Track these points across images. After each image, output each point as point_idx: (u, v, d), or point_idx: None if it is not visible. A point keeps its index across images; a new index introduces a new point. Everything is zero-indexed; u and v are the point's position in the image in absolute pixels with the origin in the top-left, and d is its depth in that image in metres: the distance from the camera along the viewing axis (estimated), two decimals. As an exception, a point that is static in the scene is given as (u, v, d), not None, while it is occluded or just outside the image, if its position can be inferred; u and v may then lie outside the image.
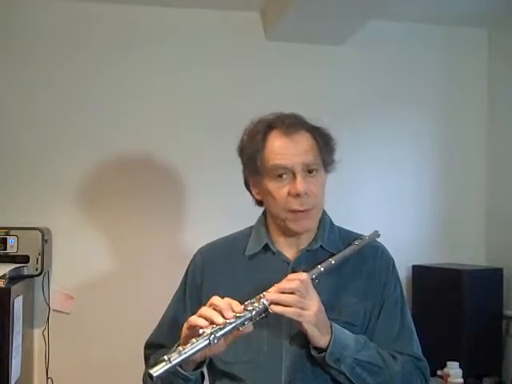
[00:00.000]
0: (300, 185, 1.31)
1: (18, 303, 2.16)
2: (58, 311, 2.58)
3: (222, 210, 2.64)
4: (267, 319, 1.25)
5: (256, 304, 1.19)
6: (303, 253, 1.39)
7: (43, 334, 2.55)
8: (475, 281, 2.59)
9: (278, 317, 1.27)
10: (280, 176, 1.33)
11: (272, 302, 1.20)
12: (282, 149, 1.33)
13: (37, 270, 2.37)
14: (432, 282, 2.67)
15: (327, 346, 1.23)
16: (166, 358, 1.10)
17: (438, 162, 2.95)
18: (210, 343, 1.13)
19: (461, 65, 2.98)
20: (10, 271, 2.19)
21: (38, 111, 2.62)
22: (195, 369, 1.26)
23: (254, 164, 1.36)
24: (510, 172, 2.82)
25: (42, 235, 2.38)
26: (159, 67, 2.71)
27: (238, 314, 1.16)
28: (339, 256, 1.34)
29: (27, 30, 2.61)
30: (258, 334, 1.31)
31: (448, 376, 2.40)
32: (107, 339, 2.57)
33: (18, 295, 2.18)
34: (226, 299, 1.19)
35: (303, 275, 1.24)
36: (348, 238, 1.42)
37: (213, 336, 1.13)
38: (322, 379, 1.30)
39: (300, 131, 1.35)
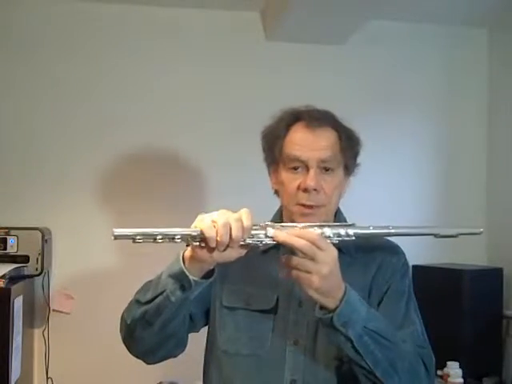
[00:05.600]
0: (310, 180, 1.29)
1: (17, 303, 2.16)
2: (57, 311, 2.58)
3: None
4: (275, 315, 1.27)
5: (261, 235, 1.15)
6: None
7: (43, 334, 2.55)
8: (475, 281, 2.59)
9: (285, 313, 1.28)
10: (295, 168, 1.32)
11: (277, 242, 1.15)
12: (301, 140, 1.32)
13: (37, 269, 2.37)
14: (432, 281, 2.67)
15: (336, 307, 1.14)
16: None
17: (437, 161, 2.95)
18: (198, 236, 1.09)
19: (461, 65, 2.97)
20: (9, 271, 2.19)
21: (39, 111, 2.63)
22: (202, 278, 1.17)
23: (272, 151, 1.36)
24: (510, 172, 2.82)
25: (42, 235, 2.38)
26: (159, 67, 2.71)
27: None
28: (362, 233, 1.24)
29: (28, 29, 2.61)
30: (263, 327, 1.30)
31: (448, 376, 2.40)
32: (107, 339, 2.55)
33: (18, 295, 2.18)
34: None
35: (313, 234, 1.14)
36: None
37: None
38: (325, 379, 1.28)
39: (325, 127, 1.34)
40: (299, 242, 1.12)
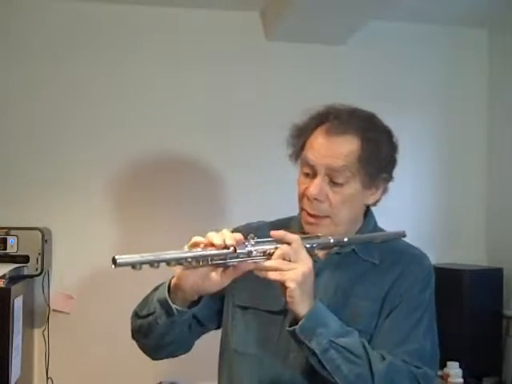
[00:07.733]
0: (313, 188, 1.27)
1: (17, 303, 2.16)
2: (57, 311, 2.58)
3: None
4: (284, 318, 1.26)
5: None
6: (332, 255, 1.33)
7: (43, 334, 2.55)
8: (475, 281, 2.59)
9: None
10: (307, 174, 1.31)
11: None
12: (317, 145, 1.30)
13: (37, 269, 2.37)
14: (432, 281, 2.67)
15: (301, 318, 1.15)
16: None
17: (437, 161, 2.95)
18: (191, 258, 1.10)
19: (461, 65, 2.97)
20: (9, 271, 2.19)
21: (39, 111, 2.62)
22: (187, 307, 1.21)
23: (295, 149, 1.36)
24: (510, 172, 2.82)
25: (42, 235, 2.38)
26: (159, 67, 2.71)
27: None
28: (341, 241, 1.27)
29: (28, 29, 2.61)
30: (270, 328, 1.31)
31: (448, 376, 2.40)
32: (107, 339, 2.57)
33: (18, 295, 2.18)
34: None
35: (294, 237, 1.17)
36: (388, 246, 1.34)
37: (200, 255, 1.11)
38: None
39: (346, 135, 1.29)
40: (281, 249, 1.15)
